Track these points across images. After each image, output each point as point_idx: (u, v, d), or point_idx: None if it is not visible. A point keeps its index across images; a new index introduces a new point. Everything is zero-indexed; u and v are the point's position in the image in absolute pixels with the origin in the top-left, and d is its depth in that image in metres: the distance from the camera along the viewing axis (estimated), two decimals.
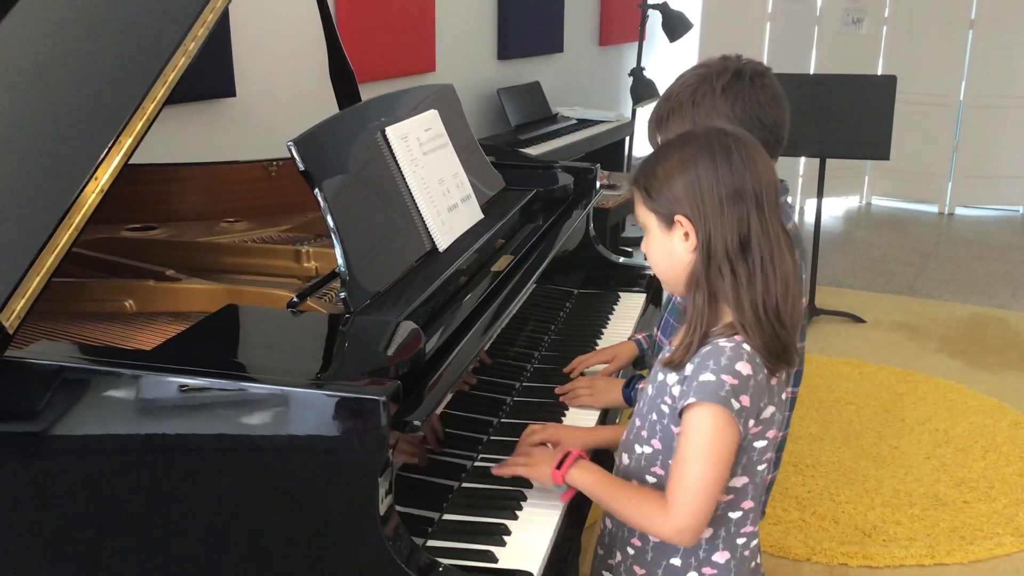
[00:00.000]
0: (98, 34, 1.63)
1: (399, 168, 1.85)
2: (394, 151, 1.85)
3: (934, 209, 6.70)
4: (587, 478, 1.46)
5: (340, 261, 1.52)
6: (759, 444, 1.39)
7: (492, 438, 1.74)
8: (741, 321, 1.35)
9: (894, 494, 3.05)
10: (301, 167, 1.55)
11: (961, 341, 4.35)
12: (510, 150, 2.91)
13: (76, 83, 1.56)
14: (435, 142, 2.03)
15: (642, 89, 5.61)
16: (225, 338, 1.45)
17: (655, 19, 5.67)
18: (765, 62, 6.68)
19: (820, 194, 4.56)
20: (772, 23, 6.70)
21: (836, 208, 6.84)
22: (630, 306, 2.44)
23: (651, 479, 1.45)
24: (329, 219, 1.53)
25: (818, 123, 4.32)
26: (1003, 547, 2.78)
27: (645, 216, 1.45)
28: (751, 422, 1.35)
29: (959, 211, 6.59)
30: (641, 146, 6.33)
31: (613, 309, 2.41)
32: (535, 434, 1.65)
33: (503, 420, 1.81)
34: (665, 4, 5.57)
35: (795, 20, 6.62)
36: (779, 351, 1.36)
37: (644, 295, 2.50)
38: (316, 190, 1.55)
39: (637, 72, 5.64)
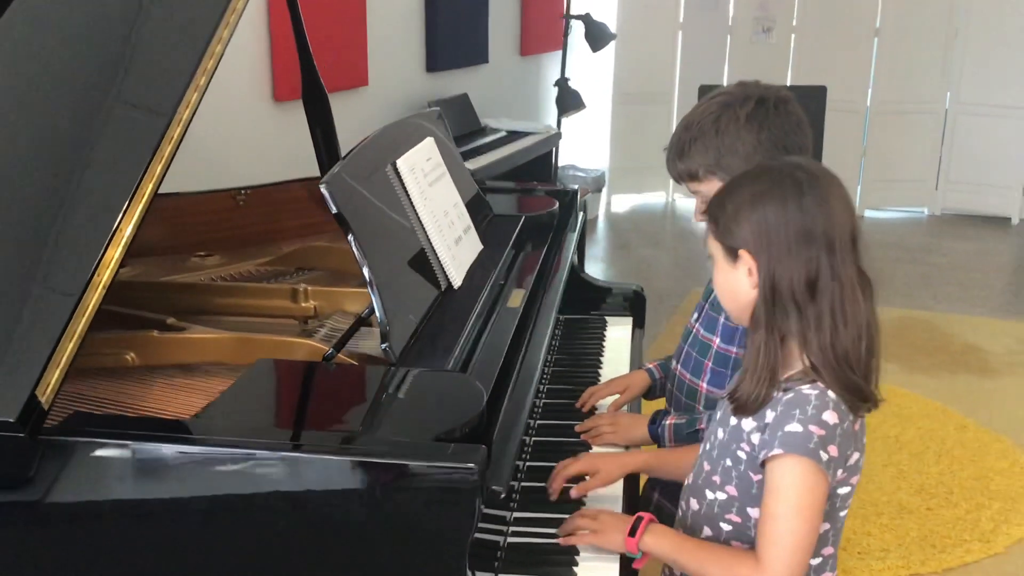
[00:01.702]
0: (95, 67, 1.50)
1: (411, 203, 1.76)
2: (406, 185, 1.76)
3: None
4: (665, 544, 1.39)
5: (379, 312, 1.42)
6: (843, 491, 1.36)
7: (522, 484, 1.67)
8: (813, 364, 1.32)
9: (860, 504, 3.09)
10: (334, 210, 1.45)
11: (893, 345, 4.47)
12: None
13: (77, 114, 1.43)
14: (436, 172, 1.94)
15: (568, 100, 5.61)
16: (274, 401, 1.34)
17: (575, 29, 5.68)
18: (678, 72, 6.75)
19: None
20: (685, 32, 6.79)
21: None
22: (619, 331, 2.40)
23: (726, 526, 1.41)
24: (366, 271, 1.43)
25: None
26: (972, 554, 2.85)
27: (713, 246, 1.41)
28: (839, 471, 1.31)
29: (868, 213, 6.80)
30: (567, 157, 6.33)
31: (604, 335, 2.36)
32: (569, 467, 1.59)
33: (528, 463, 1.74)
34: (588, 15, 5.58)
35: (707, 29, 6.72)
36: (857, 392, 1.33)
37: (630, 318, 2.47)
38: (350, 235, 1.45)
39: (562, 83, 5.64)
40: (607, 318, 2.46)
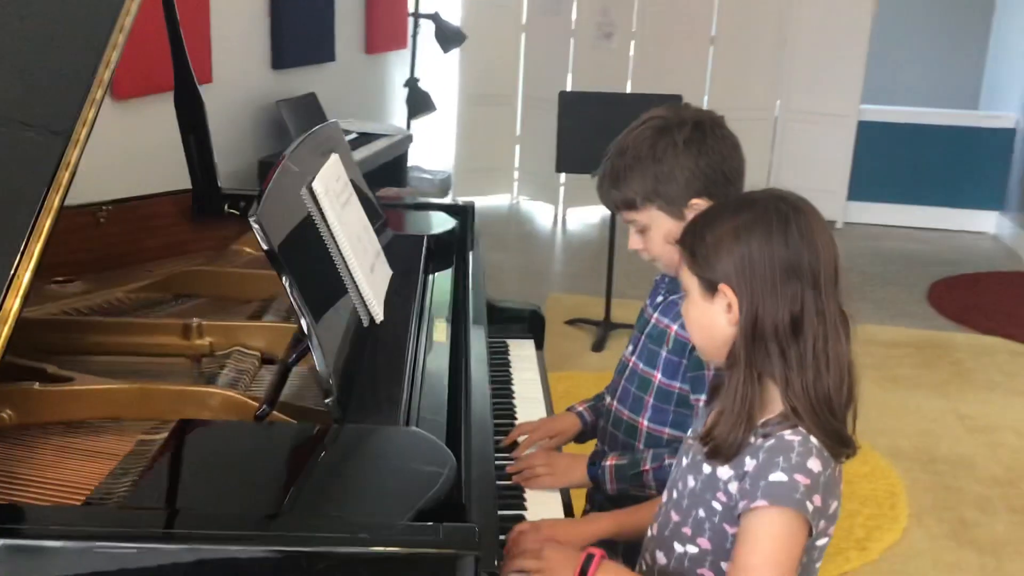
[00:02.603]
0: None
1: (329, 230, 1.58)
2: (323, 210, 1.58)
3: None
4: None
5: (320, 364, 1.24)
6: (821, 542, 1.29)
7: None
8: (794, 407, 1.25)
9: None
10: (267, 247, 1.26)
11: None
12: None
13: None
14: (345, 192, 1.76)
15: (419, 101, 5.46)
16: (214, 475, 1.14)
17: (424, 29, 5.54)
18: (521, 76, 6.73)
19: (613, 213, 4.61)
20: (528, 35, 6.74)
21: (591, 216, 7.01)
22: (523, 355, 2.28)
23: None
24: (305, 320, 1.24)
25: (611, 141, 4.35)
26: (850, 562, 2.90)
27: (687, 279, 1.32)
28: (821, 521, 1.24)
29: None
30: (417, 158, 6.16)
31: (508, 360, 2.24)
32: (525, 537, 1.45)
33: None
34: (437, 15, 5.44)
35: (551, 33, 6.70)
36: (838, 438, 1.27)
37: (532, 341, 2.36)
38: (284, 278, 1.26)
39: (413, 84, 5.47)
40: (508, 341, 2.34)
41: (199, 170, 2.19)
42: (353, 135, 4.96)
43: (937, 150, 6.83)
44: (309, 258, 1.44)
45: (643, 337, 1.71)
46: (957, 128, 6.82)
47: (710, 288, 1.29)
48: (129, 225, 2.16)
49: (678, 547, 1.34)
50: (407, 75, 5.85)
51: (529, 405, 1.99)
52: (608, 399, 1.78)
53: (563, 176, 6.77)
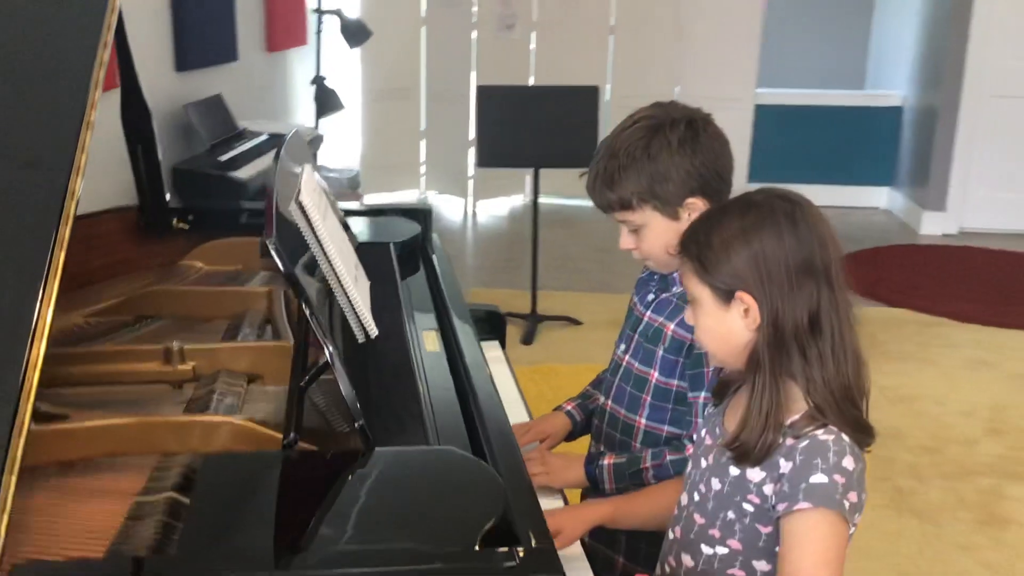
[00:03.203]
0: None
1: (320, 243, 1.52)
2: (313, 223, 1.52)
3: (591, 203, 7.09)
4: None
5: (346, 387, 1.19)
6: (850, 532, 1.31)
7: None
8: (818, 405, 1.27)
9: None
10: (286, 271, 1.20)
11: None
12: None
13: None
14: (323, 203, 1.71)
15: (327, 100, 5.34)
16: (266, 512, 1.08)
17: (328, 24, 5.42)
18: (424, 68, 6.68)
19: (535, 205, 4.62)
20: (428, 29, 6.68)
21: (500, 208, 7.01)
22: (492, 357, 2.23)
23: None
24: (329, 347, 1.19)
25: (532, 135, 4.36)
26: None
27: (696, 289, 1.31)
28: (856, 515, 1.27)
29: None
30: (323, 157, 6.03)
31: None
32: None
33: None
34: (340, 11, 5.33)
35: (451, 25, 6.65)
36: (861, 428, 1.29)
37: (496, 342, 2.33)
38: (305, 303, 1.21)
39: (319, 82, 5.36)
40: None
41: (147, 184, 2.09)
42: (263, 136, 4.82)
43: (830, 130, 7.06)
44: (310, 277, 1.39)
45: (636, 336, 1.71)
46: (847, 108, 7.08)
47: (725, 297, 1.28)
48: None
49: (706, 549, 1.34)
50: (309, 72, 5.72)
51: (510, 407, 1.97)
52: (602, 399, 1.77)
53: (471, 169, 6.75)
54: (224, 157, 4.25)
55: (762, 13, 6.68)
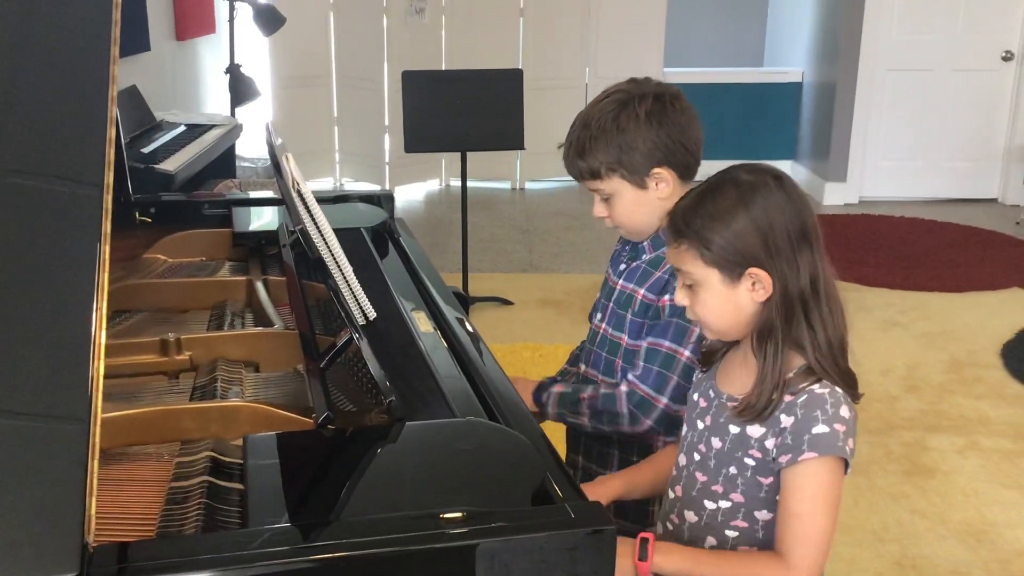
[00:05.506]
0: None
1: (318, 228, 1.55)
2: (311, 208, 1.55)
3: (507, 186, 7.18)
4: (678, 560, 1.37)
5: (375, 367, 1.24)
6: (844, 475, 1.42)
7: None
8: (820, 363, 1.35)
9: None
10: (313, 256, 1.23)
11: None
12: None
13: None
14: (307, 190, 1.73)
15: (243, 88, 5.28)
16: (322, 487, 1.12)
17: (241, 12, 5.35)
18: (334, 55, 6.67)
19: (464, 188, 4.66)
20: (337, 14, 6.64)
21: (416, 192, 7.04)
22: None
23: (732, 533, 1.42)
24: (353, 325, 1.23)
25: (459, 119, 4.40)
26: None
27: (700, 272, 1.36)
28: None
29: (529, 185, 7.14)
30: (248, 148, 5.93)
31: None
32: None
33: None
34: None
35: (361, 11, 6.62)
36: (852, 382, 1.39)
37: None
38: (332, 290, 1.24)
39: (235, 70, 5.29)
40: None
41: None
42: (180, 127, 4.74)
43: (733, 107, 7.28)
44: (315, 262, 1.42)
45: (611, 304, 1.80)
46: (749, 85, 7.31)
47: (732, 273, 1.34)
48: None
49: (709, 504, 1.43)
50: (219, 61, 5.65)
51: None
52: (583, 367, 1.86)
53: (387, 155, 6.75)
54: (146, 149, 4.17)
55: None
